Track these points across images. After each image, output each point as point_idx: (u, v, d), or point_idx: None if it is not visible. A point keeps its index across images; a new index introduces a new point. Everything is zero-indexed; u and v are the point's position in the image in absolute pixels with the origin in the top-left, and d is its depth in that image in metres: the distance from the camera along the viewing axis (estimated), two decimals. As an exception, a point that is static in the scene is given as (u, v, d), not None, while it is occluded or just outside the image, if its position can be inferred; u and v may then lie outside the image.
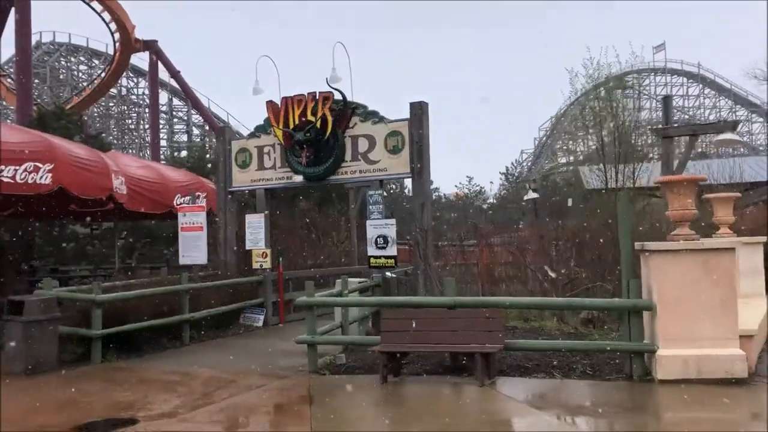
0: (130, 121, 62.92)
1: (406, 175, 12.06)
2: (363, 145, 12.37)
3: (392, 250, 11.92)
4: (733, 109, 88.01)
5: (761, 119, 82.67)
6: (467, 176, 52.47)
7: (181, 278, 11.02)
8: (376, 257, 12.04)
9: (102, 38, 57.35)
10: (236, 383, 8.01)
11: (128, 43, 34.37)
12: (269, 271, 13.21)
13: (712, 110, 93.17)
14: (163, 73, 49.89)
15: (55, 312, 9.27)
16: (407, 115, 12.06)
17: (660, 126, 11.03)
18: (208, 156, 26.08)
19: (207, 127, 58.44)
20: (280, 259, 13.48)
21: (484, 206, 55.54)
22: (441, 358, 8.35)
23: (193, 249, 12.27)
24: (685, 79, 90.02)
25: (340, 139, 12.44)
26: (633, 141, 20.82)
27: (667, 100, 10.67)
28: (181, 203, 16.46)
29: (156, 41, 36.11)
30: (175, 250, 25.76)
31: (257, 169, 13.41)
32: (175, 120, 62.28)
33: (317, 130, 12.31)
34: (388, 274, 12.21)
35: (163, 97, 60.28)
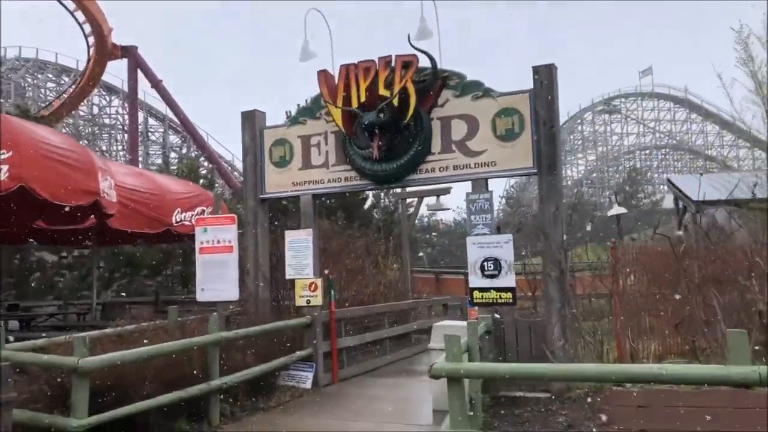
0: (101, 142, 58.57)
1: (528, 171, 8.46)
2: (459, 129, 8.76)
3: (509, 280, 8.26)
4: (720, 134, 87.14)
5: (748, 144, 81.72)
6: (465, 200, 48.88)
7: (209, 324, 7.18)
8: (482, 290, 8.37)
9: (72, 54, 53.45)
10: None
11: (104, 48, 30.54)
12: (320, 310, 9.42)
13: (699, 135, 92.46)
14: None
15: (8, 389, 5.39)
16: (521, 87, 8.53)
17: None
18: (202, 170, 22.22)
19: (185, 149, 54.38)
20: (332, 292, 9.71)
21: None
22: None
23: (217, 279, 8.44)
24: (672, 104, 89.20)
25: (425, 122, 8.82)
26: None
27: None
28: (181, 220, 12.69)
29: (135, 47, 32.29)
30: (160, 282, 21.84)
31: (302, 167, 9.67)
32: (150, 141, 58.20)
33: (394, 110, 8.68)
34: (497, 315, 8.56)
35: (138, 117, 56.33)
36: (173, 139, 58.04)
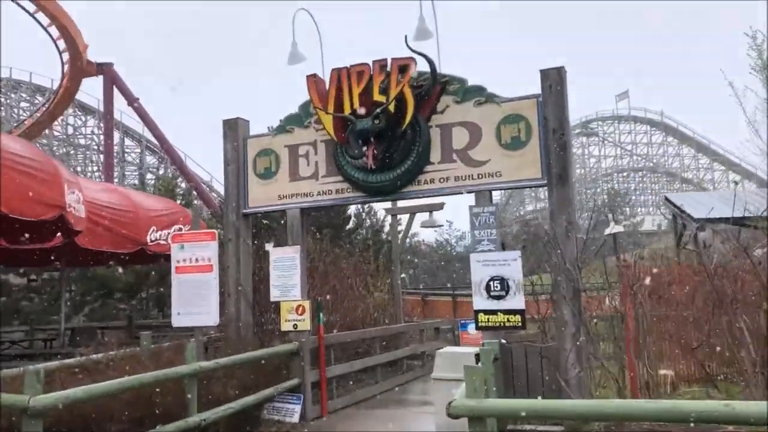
0: (75, 163, 57.28)
1: (537, 182, 7.80)
2: (460, 138, 8.09)
3: (517, 301, 7.55)
4: (696, 157, 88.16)
5: (722, 167, 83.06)
6: (447, 220, 48.44)
7: (185, 353, 6.34)
8: (488, 312, 7.64)
9: (47, 74, 52.27)
10: None
11: (79, 65, 29.61)
12: (308, 336, 8.61)
13: (675, 157, 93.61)
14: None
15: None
16: (529, 91, 7.90)
17: None
18: (179, 190, 21.32)
19: (162, 170, 53.25)
20: (321, 315, 8.92)
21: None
22: None
23: (195, 302, 7.61)
24: (648, 127, 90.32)
25: (423, 130, 8.15)
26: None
27: None
28: (156, 238, 11.85)
29: (111, 64, 31.41)
30: (135, 305, 20.79)
31: (290, 179, 8.91)
32: (126, 162, 56.97)
33: (390, 117, 8.00)
34: (503, 340, 7.80)
35: (114, 137, 55.24)
36: (150, 159, 56.98)
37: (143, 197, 13.35)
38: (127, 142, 57.49)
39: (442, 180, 8.14)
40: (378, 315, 12.68)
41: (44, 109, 34.96)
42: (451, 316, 20.74)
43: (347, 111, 8.20)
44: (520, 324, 7.53)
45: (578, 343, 7.23)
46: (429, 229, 13.55)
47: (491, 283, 7.64)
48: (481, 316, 7.68)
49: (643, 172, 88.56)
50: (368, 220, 22.15)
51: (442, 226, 13.98)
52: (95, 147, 56.28)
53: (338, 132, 8.34)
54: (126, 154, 57.38)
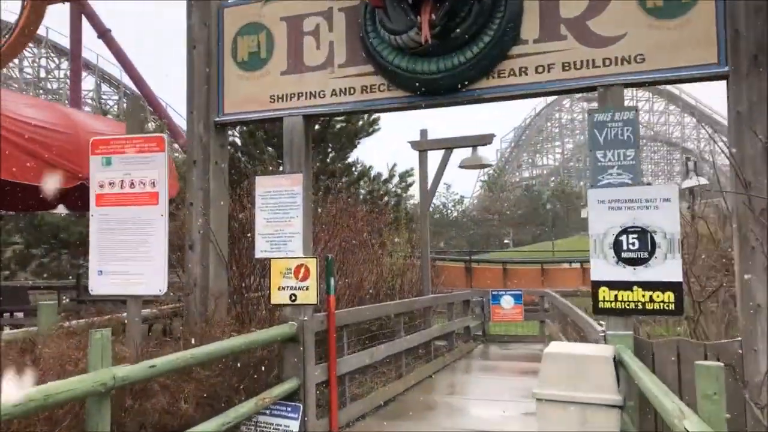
0: (48, 109, 53.39)
1: (710, 70, 4.67)
2: (572, 1, 4.95)
3: (670, 269, 4.50)
4: (697, 127, 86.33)
5: (725, 138, 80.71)
6: (445, 183, 45.63)
7: (89, 352, 3.24)
8: (617, 285, 4.60)
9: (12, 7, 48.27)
10: None
11: (41, -11, 25.96)
12: (312, 312, 5.53)
13: (676, 126, 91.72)
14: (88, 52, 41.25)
15: None
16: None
17: None
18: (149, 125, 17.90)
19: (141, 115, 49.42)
20: (332, 282, 5.81)
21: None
22: None
23: (129, 255, 4.52)
24: (650, 94, 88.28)
25: (511, -14, 5.00)
26: None
27: None
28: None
29: (80, -11, 27.77)
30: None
31: (287, 70, 5.72)
32: (99, 109, 53.09)
33: (459, -38, 4.83)
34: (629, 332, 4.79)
35: (89, 83, 51.42)
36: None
37: (89, 118, 10.08)
38: (105, 88, 53.60)
39: (541, 69, 4.99)
40: (395, 283, 9.59)
41: (4, 42, 31.06)
42: (464, 285, 17.84)
43: (387, -48, 5.01)
44: (673, 307, 4.50)
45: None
46: (490, 165, 10.23)
47: (624, 237, 4.60)
48: (604, 292, 4.64)
49: (644, 140, 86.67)
50: (367, 177, 18.72)
51: (491, 165, 10.80)
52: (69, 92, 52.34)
53: (372, -13, 5.15)
54: (103, 102, 53.51)
